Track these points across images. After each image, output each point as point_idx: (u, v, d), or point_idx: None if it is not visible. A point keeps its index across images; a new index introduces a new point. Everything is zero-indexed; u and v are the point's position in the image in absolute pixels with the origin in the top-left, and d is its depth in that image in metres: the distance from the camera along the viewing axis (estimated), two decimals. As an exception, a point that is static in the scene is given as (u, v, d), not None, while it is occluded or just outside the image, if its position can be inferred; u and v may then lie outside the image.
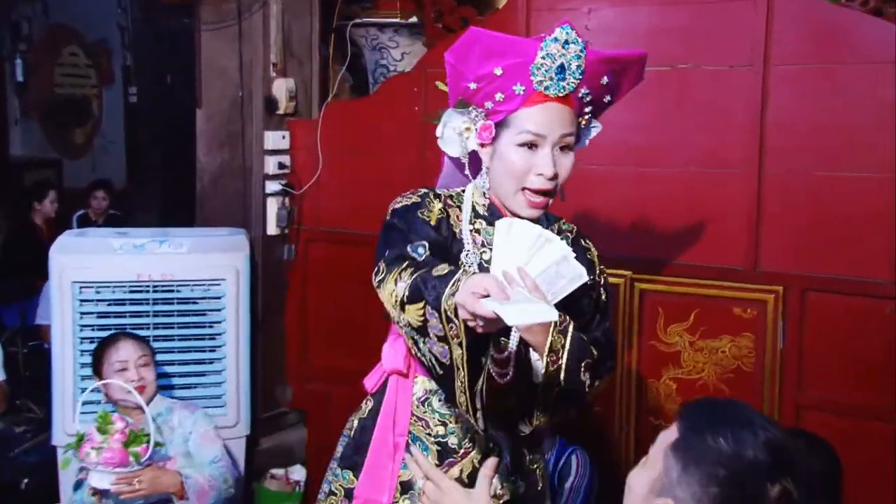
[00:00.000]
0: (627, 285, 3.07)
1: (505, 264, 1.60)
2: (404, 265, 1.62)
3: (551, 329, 1.65)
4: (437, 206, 1.78)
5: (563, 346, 1.67)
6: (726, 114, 2.93)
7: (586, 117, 1.80)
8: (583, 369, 1.71)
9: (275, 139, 3.76)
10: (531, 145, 1.72)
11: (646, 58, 1.80)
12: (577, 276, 1.64)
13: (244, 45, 3.67)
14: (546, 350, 1.66)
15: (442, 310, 1.51)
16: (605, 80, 1.75)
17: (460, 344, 1.52)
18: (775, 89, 2.84)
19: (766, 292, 2.87)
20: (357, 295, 3.67)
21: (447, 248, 1.74)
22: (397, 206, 1.79)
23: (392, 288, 1.60)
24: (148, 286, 3.38)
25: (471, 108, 1.78)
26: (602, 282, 1.87)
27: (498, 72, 1.72)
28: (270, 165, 3.76)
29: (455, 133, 1.80)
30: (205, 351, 3.49)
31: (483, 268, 1.73)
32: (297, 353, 3.85)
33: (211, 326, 3.49)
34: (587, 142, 1.88)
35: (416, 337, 1.59)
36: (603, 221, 3.10)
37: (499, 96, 1.74)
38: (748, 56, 2.86)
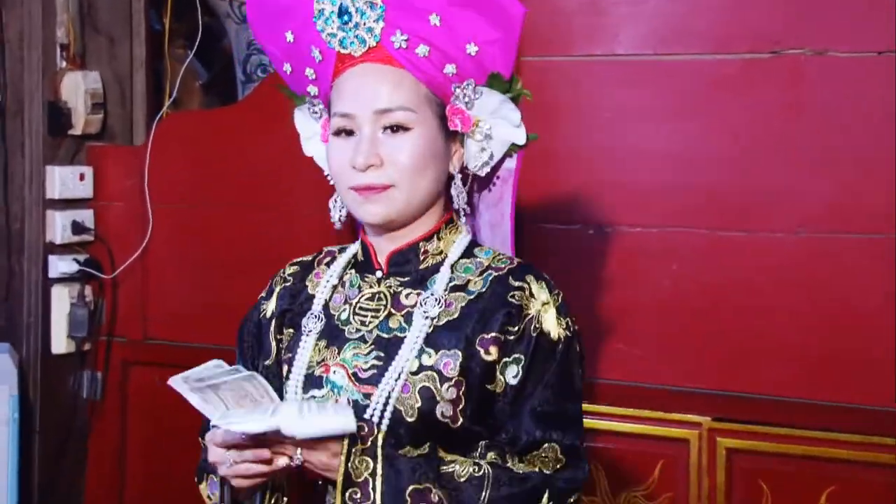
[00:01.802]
0: (703, 441, 3.06)
1: None
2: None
3: (343, 448, 1.85)
4: (289, 272, 2.20)
5: (375, 475, 1.86)
6: (871, 134, 2.92)
7: (461, 83, 2.02)
8: None
9: (66, 181, 3.71)
10: (347, 132, 1.99)
11: None
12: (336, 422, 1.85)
13: (7, 11, 3.64)
14: (339, 486, 1.85)
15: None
16: (434, 18, 1.95)
17: None
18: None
19: (958, 455, 2.85)
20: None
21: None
22: None
23: None
24: None
25: (307, 102, 2.14)
26: (529, 332, 1.99)
27: (290, 38, 2.06)
28: (57, 228, 3.70)
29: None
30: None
31: (331, 331, 2.05)
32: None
33: (-55, 521, 3.41)
34: (495, 147, 2.09)
35: None
36: (654, 327, 3.09)
37: (309, 73, 2.07)
38: (906, 35, 2.88)
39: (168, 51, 3.92)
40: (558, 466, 1.95)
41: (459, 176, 2.04)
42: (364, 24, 1.95)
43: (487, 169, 2.07)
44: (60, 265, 3.67)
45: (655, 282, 3.07)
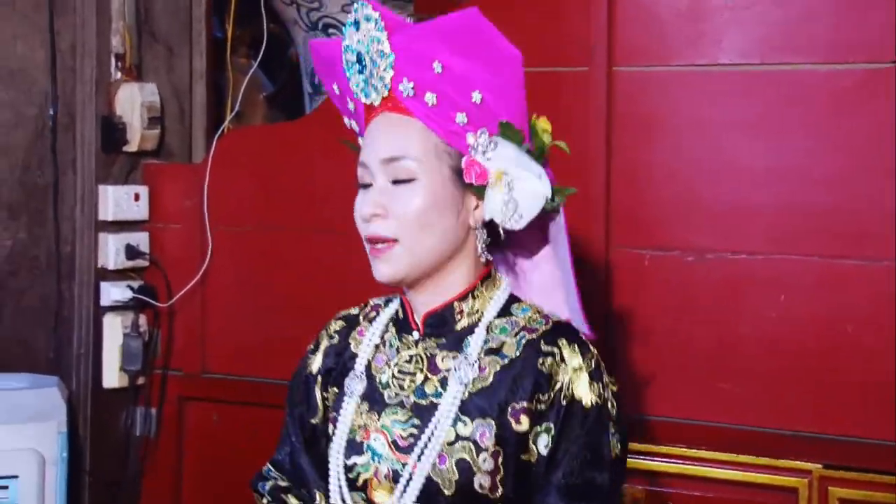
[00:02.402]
0: (813, 490, 3.00)
1: None
2: None
3: None
4: (334, 329, 2.32)
5: None
6: None
7: (475, 132, 2.11)
8: None
9: (120, 201, 3.74)
10: (365, 185, 2.13)
11: (476, 15, 2.06)
12: None
13: (59, 19, 3.67)
14: None
15: None
16: (437, 66, 2.06)
17: None
18: None
19: None
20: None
21: (320, 418, 2.28)
22: None
23: None
24: None
25: None
26: (559, 400, 2.06)
27: (336, 90, 2.25)
28: (110, 252, 3.72)
29: None
30: None
31: (372, 394, 2.16)
32: None
33: (-11, 567, 3.38)
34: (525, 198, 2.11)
35: None
36: (758, 365, 3.05)
37: (353, 124, 2.27)
38: None
39: (230, 61, 3.97)
40: None
41: (482, 229, 2.13)
42: (376, 73, 2.09)
43: (519, 223, 2.10)
44: (113, 292, 3.70)
45: (761, 314, 3.03)
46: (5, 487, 3.37)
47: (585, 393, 2.04)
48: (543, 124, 2.14)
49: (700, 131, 3.06)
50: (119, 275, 3.71)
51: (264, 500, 2.34)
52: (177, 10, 3.86)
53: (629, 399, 3.04)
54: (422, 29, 2.09)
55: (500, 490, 2.01)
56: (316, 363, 2.30)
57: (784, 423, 2.98)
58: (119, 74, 3.70)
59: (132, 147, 3.70)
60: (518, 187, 2.09)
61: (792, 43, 2.99)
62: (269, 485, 2.33)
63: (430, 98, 2.08)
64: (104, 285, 3.69)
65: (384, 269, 2.10)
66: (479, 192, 2.10)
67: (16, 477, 3.36)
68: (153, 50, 3.80)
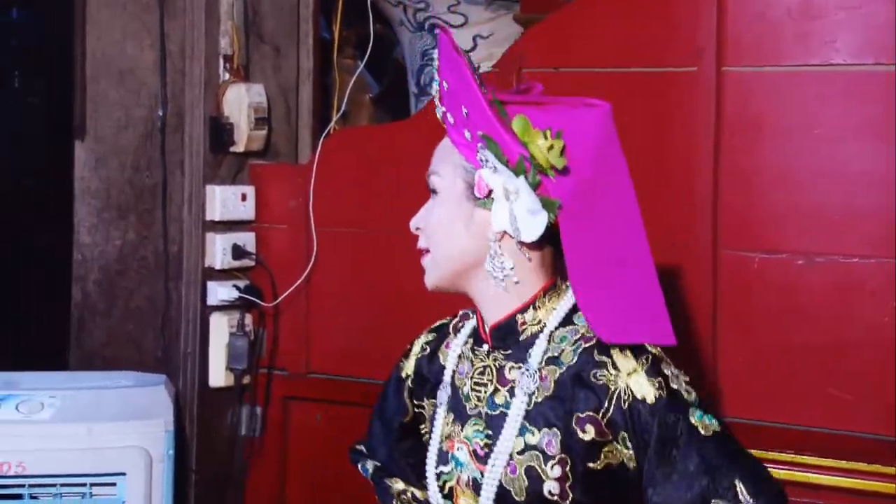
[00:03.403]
0: None
1: None
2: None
3: None
4: (424, 341, 2.43)
5: None
6: None
7: (477, 147, 2.17)
8: None
9: (227, 201, 3.78)
10: None
11: (442, 36, 2.20)
12: None
13: (169, 21, 3.72)
14: None
15: None
16: (445, 84, 2.19)
17: None
18: None
19: None
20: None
21: (411, 419, 2.42)
22: None
23: None
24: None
25: None
26: (620, 406, 2.07)
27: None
28: (217, 252, 3.76)
29: None
30: None
31: (456, 405, 2.25)
32: None
33: (98, 562, 3.43)
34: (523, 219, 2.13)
35: None
36: (869, 370, 3.02)
37: None
38: None
39: (336, 61, 3.96)
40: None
41: (496, 243, 2.14)
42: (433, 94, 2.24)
43: (528, 236, 2.12)
44: (220, 292, 3.74)
45: (873, 319, 2.98)
46: (113, 484, 3.41)
47: (647, 391, 2.06)
48: (546, 141, 2.13)
49: (811, 133, 3.01)
50: (225, 274, 3.75)
51: (368, 478, 2.50)
52: (284, 11, 3.89)
53: (735, 403, 3.02)
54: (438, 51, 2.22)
55: (570, 496, 2.06)
56: (406, 369, 2.43)
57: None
58: (227, 75, 3.74)
59: (239, 147, 3.74)
60: (517, 200, 2.13)
61: (907, 42, 2.94)
62: (370, 466, 2.49)
63: (450, 117, 2.18)
64: (211, 285, 3.73)
65: (425, 277, 2.25)
66: (489, 205, 2.15)
67: (123, 474, 3.41)
68: (260, 51, 3.83)
